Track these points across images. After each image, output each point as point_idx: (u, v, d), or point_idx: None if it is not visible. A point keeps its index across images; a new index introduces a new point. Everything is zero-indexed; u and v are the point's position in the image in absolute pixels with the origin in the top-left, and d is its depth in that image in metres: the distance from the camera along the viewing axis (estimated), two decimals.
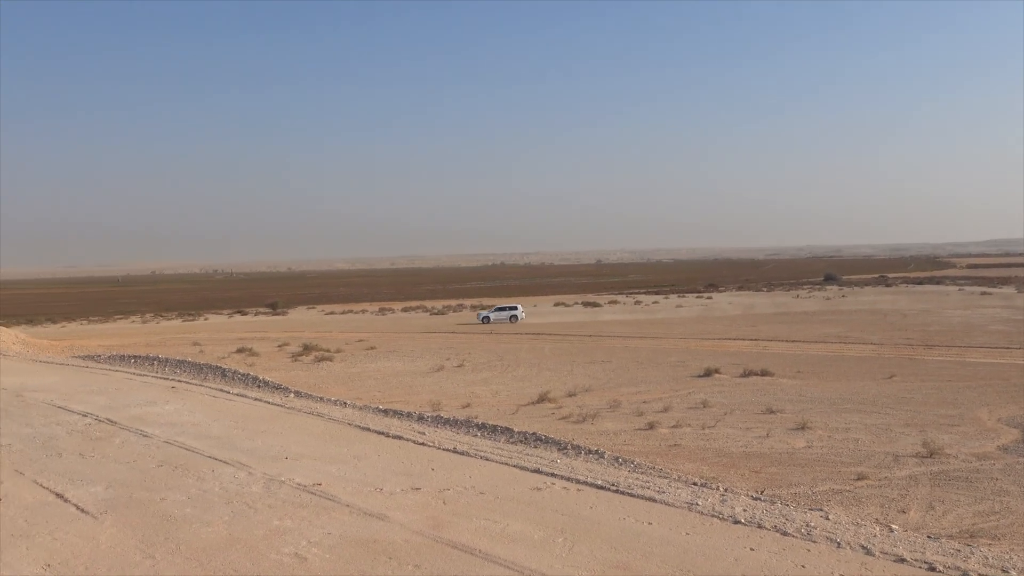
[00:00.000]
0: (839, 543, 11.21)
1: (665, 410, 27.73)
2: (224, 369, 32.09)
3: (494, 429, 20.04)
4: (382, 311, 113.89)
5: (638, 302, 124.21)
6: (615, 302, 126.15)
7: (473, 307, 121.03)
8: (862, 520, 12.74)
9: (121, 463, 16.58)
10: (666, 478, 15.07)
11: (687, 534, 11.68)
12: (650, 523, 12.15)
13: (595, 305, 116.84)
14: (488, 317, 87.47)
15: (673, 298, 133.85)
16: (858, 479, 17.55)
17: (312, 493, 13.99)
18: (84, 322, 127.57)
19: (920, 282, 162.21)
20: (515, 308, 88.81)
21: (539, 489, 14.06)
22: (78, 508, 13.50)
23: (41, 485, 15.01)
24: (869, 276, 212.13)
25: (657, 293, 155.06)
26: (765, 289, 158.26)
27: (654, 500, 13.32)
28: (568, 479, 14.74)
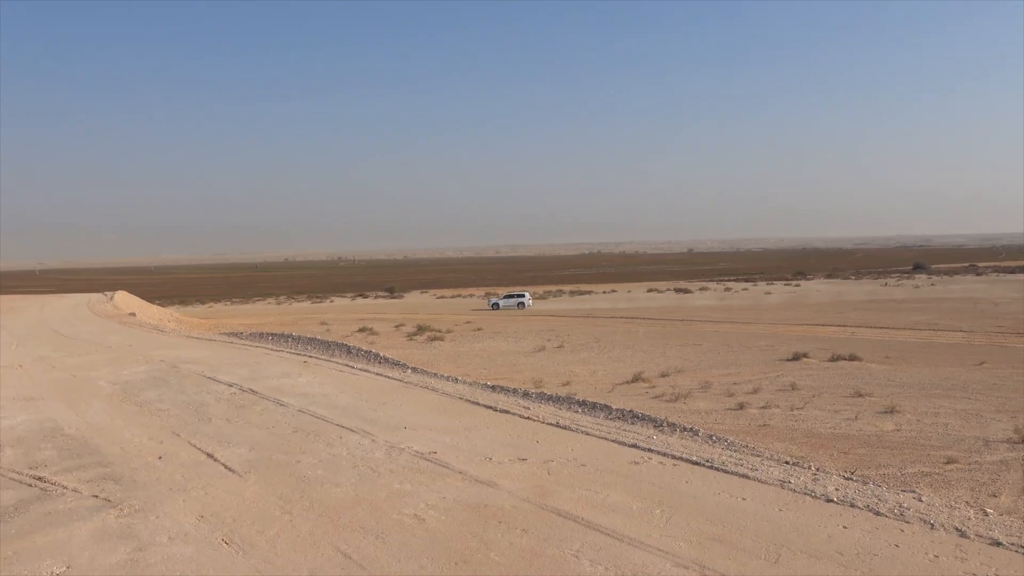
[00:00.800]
0: (932, 524, 10.65)
1: (755, 391, 27.00)
2: (349, 346, 32.97)
3: (593, 406, 19.91)
4: (487, 296, 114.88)
5: (728, 289, 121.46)
6: (706, 288, 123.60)
7: (572, 293, 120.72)
8: (955, 503, 12.06)
9: (261, 428, 17.26)
10: (758, 456, 14.64)
11: (780, 510, 11.32)
12: (744, 499, 11.84)
13: (686, 291, 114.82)
14: (498, 304, 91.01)
15: (762, 285, 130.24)
16: (948, 463, 16.66)
17: (428, 460, 14.22)
18: (228, 303, 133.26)
19: (1012, 271, 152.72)
20: (523, 296, 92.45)
21: (636, 463, 13.89)
22: (225, 467, 14.13)
23: (194, 446, 15.78)
24: (959, 265, 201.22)
25: (747, 280, 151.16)
26: (854, 277, 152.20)
27: (747, 477, 12.97)
28: (664, 454, 14.52)
